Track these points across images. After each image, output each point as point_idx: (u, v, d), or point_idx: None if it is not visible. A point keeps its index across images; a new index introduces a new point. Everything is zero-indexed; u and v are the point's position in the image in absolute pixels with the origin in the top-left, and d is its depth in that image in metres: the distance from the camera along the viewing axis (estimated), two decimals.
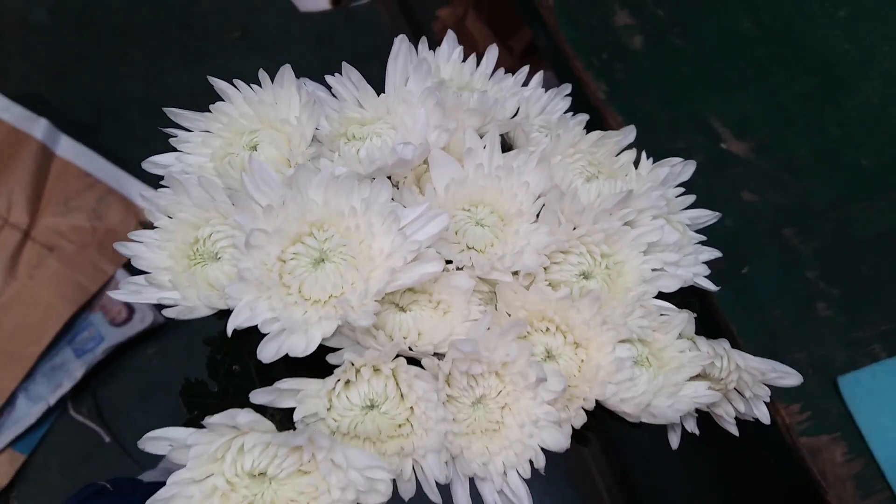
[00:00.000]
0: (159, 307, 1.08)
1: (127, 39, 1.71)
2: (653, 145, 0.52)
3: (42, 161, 1.41)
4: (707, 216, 0.41)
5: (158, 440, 0.29)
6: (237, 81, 0.37)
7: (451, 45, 0.41)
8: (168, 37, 1.72)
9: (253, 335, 0.30)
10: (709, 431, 0.80)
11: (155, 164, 0.38)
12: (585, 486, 1.22)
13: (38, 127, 1.42)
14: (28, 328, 1.30)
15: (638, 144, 0.48)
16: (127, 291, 0.34)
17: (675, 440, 0.38)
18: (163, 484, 0.55)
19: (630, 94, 0.71)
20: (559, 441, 0.31)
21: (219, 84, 0.37)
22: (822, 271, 0.62)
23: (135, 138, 1.50)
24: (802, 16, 0.75)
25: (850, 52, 0.73)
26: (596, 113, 0.70)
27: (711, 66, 0.73)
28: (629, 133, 0.40)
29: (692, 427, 0.38)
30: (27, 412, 1.27)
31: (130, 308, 1.35)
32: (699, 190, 0.65)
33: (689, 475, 0.93)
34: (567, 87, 0.43)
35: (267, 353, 0.29)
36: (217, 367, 0.34)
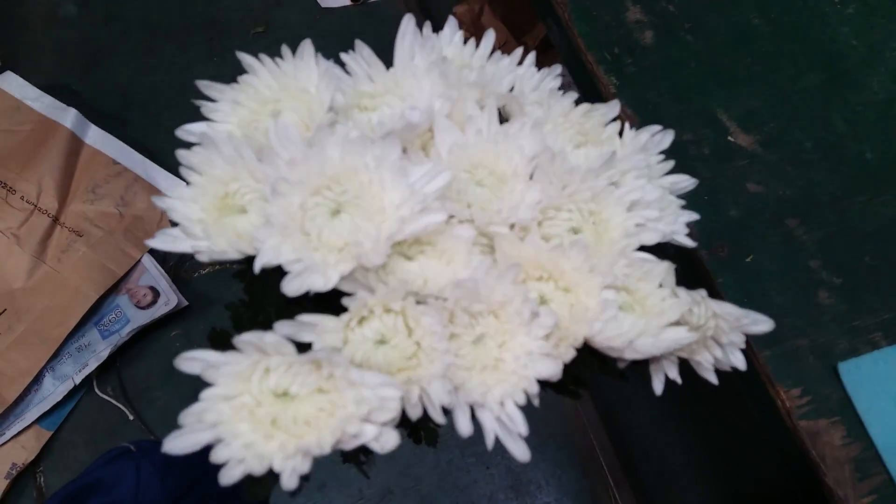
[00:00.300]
0: (182, 289, 1.11)
1: (153, 33, 1.75)
2: None
3: (71, 149, 1.46)
4: (686, 181, 0.44)
5: (193, 360, 0.32)
6: (262, 55, 0.41)
7: (452, 30, 0.45)
8: (193, 31, 1.76)
9: (274, 287, 0.33)
10: (711, 417, 0.82)
11: (188, 131, 0.41)
12: (590, 468, 1.24)
13: (67, 116, 1.47)
14: (56, 310, 1.34)
15: None
16: (162, 240, 0.37)
17: (658, 386, 0.41)
18: None
19: (640, 87, 0.73)
20: (552, 369, 0.34)
21: (245, 58, 0.41)
22: (825, 261, 0.63)
23: (161, 129, 1.54)
24: (811, 12, 0.76)
25: (857, 48, 0.74)
26: None
27: (720, 62, 0.74)
28: (614, 106, 0.43)
29: (674, 374, 0.40)
30: (53, 390, 1.31)
31: (155, 292, 1.39)
32: (706, 181, 0.67)
33: (690, 457, 0.95)
34: (558, 68, 0.46)
35: (290, 288, 0.32)
36: (241, 317, 0.37)
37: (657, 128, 0.44)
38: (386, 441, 0.32)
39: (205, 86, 0.40)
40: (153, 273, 1.40)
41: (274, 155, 0.34)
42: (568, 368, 0.36)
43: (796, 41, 0.75)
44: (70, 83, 1.63)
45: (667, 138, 0.44)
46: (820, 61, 0.73)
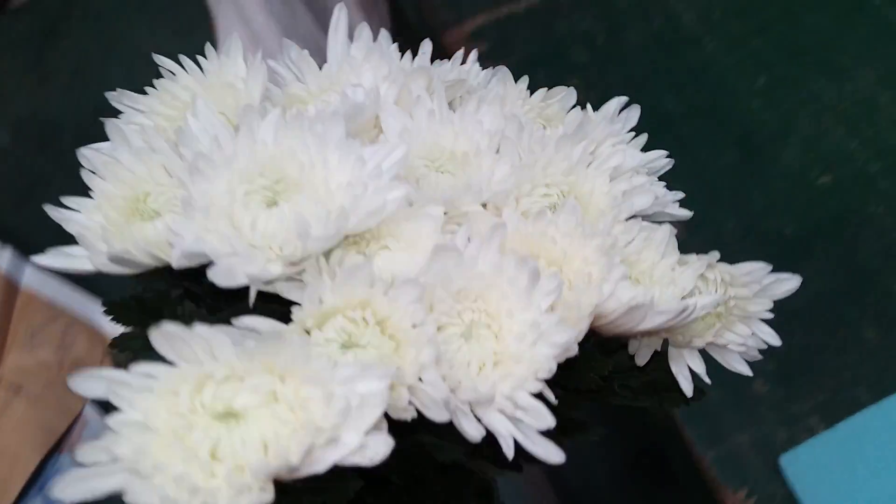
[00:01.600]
0: None
1: None
2: None
3: (6, 297, 1.39)
4: (662, 158, 0.38)
5: (93, 379, 0.24)
6: (181, 56, 0.36)
7: (386, 41, 0.39)
8: None
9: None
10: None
11: (95, 150, 0.34)
12: None
13: (2, 258, 1.42)
14: None
15: None
16: (54, 258, 0.32)
17: (686, 385, 0.34)
18: None
19: None
20: (567, 336, 0.26)
21: (161, 60, 0.35)
22: None
23: None
24: (723, 89, 0.74)
25: (768, 121, 0.73)
26: None
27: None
28: (570, 94, 0.38)
29: (697, 366, 0.34)
30: None
31: None
32: None
33: None
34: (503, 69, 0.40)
35: (220, 279, 0.26)
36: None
37: (625, 98, 0.38)
38: (374, 450, 0.23)
39: (115, 96, 0.35)
40: (97, 425, 1.33)
41: (194, 139, 0.28)
42: (573, 376, 0.30)
43: (710, 119, 0.74)
44: (3, 219, 1.60)
45: (633, 114, 0.38)
46: (733, 138, 0.72)
